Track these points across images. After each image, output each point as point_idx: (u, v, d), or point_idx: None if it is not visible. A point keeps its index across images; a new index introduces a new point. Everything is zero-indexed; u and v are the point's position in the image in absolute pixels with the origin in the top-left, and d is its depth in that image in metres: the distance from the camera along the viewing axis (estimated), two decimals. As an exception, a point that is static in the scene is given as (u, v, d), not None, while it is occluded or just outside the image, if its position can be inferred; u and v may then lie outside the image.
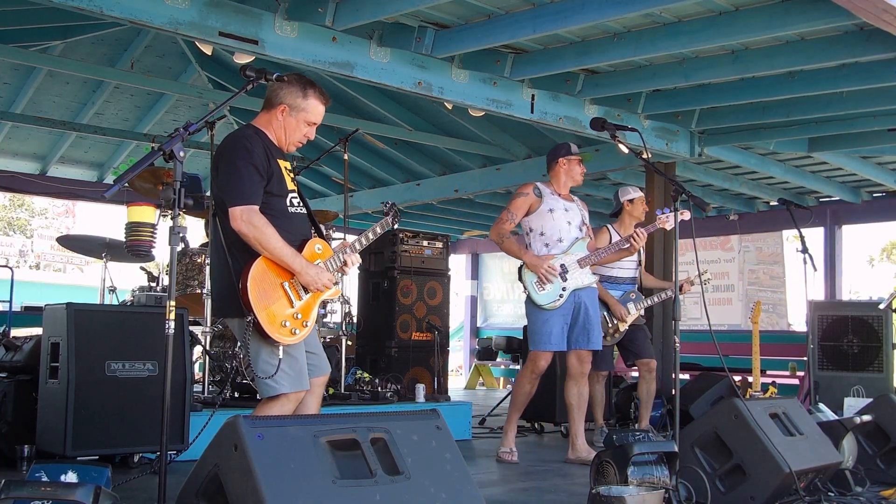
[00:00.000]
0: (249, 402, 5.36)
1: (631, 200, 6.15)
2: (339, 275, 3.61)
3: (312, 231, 3.53)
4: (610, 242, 5.79)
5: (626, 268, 6.12)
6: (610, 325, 5.97)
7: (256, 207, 3.20)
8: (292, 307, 3.25)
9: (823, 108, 6.56)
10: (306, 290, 3.30)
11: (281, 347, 3.22)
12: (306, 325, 3.30)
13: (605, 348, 6.06)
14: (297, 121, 3.40)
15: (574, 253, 5.30)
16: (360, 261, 3.61)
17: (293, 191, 3.43)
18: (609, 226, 6.11)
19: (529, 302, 5.29)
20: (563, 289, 5.23)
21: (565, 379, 5.50)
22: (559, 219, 5.31)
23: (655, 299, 6.21)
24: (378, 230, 3.76)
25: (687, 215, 5.28)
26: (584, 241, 5.38)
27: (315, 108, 3.42)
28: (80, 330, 4.34)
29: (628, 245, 5.30)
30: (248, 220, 3.15)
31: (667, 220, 5.19)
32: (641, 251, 6.11)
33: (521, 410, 5.50)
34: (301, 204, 3.48)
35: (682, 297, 5.44)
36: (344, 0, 5.12)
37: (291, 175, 3.48)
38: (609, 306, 5.97)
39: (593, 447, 5.49)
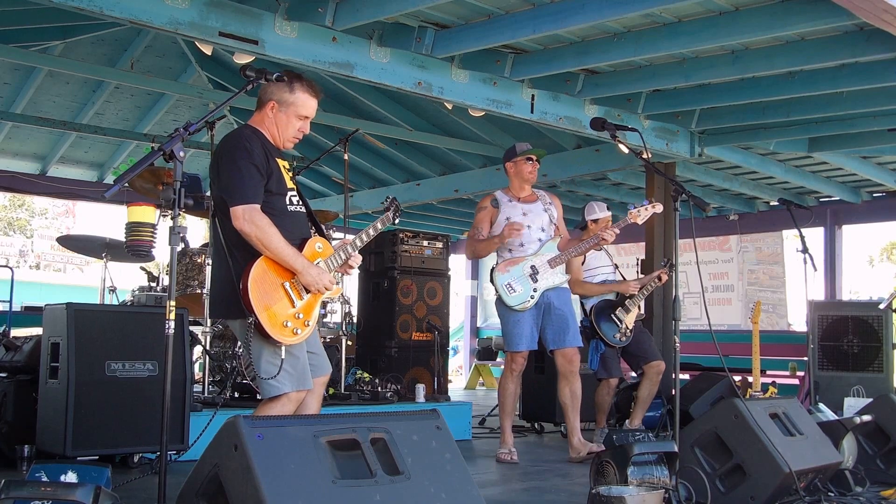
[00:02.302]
0: (249, 402, 5.36)
1: (595, 220, 6.21)
2: (340, 274, 3.61)
3: (312, 230, 3.54)
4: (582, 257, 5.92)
5: (606, 272, 6.24)
6: (620, 324, 6.00)
7: (258, 206, 3.20)
8: (293, 307, 3.24)
9: (823, 108, 6.56)
10: (307, 290, 3.30)
11: (283, 347, 3.21)
12: (308, 325, 3.29)
13: (613, 355, 6.09)
14: (288, 116, 3.38)
15: (544, 254, 5.37)
16: (361, 259, 3.59)
17: (292, 189, 3.43)
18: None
19: (501, 304, 5.37)
20: (535, 290, 5.29)
21: (558, 379, 5.50)
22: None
23: (645, 292, 6.24)
24: (379, 226, 3.75)
25: (659, 208, 5.31)
26: (555, 241, 5.43)
27: (304, 102, 3.40)
28: (80, 330, 4.34)
29: (597, 241, 5.34)
30: (251, 219, 3.15)
31: (637, 215, 5.21)
32: (613, 257, 6.24)
33: (512, 412, 5.54)
34: (300, 203, 3.47)
35: (682, 297, 5.45)
36: (344, 0, 5.12)
37: (290, 174, 3.48)
38: (618, 290, 6.03)
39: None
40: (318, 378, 3.51)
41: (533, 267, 5.31)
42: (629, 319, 6.05)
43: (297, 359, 3.28)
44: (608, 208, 6.31)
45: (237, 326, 3.33)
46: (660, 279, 6.23)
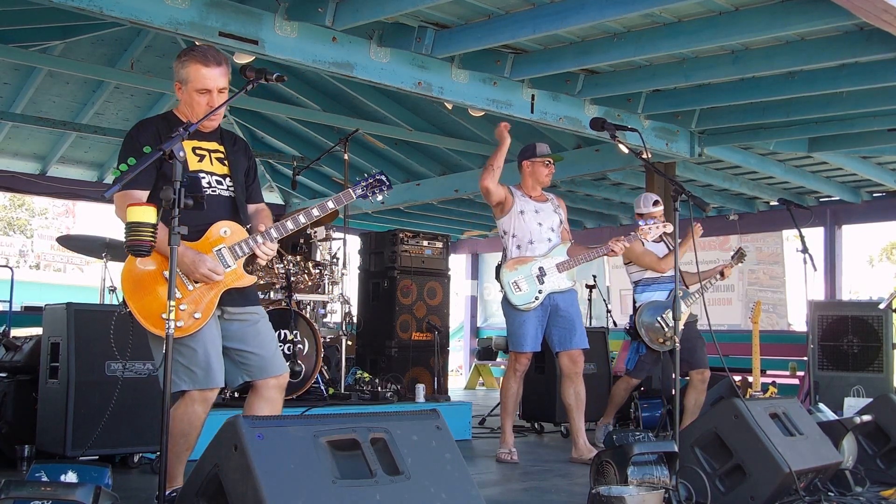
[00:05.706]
0: (249, 402, 5.35)
1: (641, 215, 5.91)
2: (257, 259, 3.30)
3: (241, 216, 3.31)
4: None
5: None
6: (667, 329, 5.63)
7: (129, 192, 3.08)
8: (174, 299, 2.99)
9: (823, 108, 6.56)
10: (196, 281, 3.13)
11: None
12: (196, 317, 3.10)
13: (652, 359, 5.88)
14: (189, 93, 3.21)
15: (554, 257, 5.35)
16: (275, 246, 3.28)
17: (203, 171, 3.26)
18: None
19: (506, 303, 5.34)
20: (540, 291, 5.28)
21: (562, 380, 5.49)
22: (529, 221, 5.37)
23: (704, 290, 5.69)
24: (330, 205, 3.39)
25: (669, 227, 5.22)
26: (565, 246, 5.41)
27: (195, 73, 3.16)
28: (80, 330, 4.34)
29: (606, 251, 5.26)
30: (116, 205, 3.11)
31: (648, 232, 5.19)
32: (669, 244, 5.85)
33: (514, 412, 5.52)
34: (225, 187, 3.30)
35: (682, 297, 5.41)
36: (344, 0, 5.12)
37: (220, 154, 3.31)
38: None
39: (595, 447, 5.48)
40: (263, 381, 3.36)
41: (541, 268, 5.30)
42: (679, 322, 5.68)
43: (195, 351, 3.10)
44: (655, 203, 5.92)
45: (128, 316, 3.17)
46: (722, 274, 5.99)
